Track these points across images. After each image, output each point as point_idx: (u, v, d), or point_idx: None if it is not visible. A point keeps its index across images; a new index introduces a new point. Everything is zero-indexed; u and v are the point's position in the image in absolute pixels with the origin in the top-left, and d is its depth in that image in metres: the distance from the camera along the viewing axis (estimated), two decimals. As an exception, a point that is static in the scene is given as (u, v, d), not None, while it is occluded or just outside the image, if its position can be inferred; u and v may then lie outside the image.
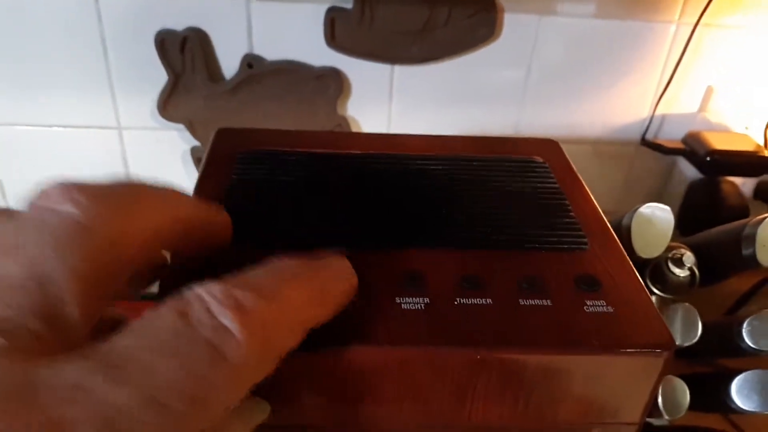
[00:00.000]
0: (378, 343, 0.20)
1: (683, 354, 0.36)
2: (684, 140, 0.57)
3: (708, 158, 0.53)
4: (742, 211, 0.55)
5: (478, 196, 0.27)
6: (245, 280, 0.15)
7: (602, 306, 0.22)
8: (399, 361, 0.20)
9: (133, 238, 0.15)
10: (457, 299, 0.22)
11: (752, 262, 0.35)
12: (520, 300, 0.22)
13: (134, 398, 0.12)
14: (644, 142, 0.57)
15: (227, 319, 0.14)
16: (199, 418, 0.13)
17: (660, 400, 0.33)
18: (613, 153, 0.61)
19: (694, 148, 0.55)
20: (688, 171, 0.58)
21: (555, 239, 0.25)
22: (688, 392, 0.33)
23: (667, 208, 0.35)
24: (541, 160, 0.31)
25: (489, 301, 0.22)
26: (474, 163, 0.30)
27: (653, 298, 0.38)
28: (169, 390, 0.12)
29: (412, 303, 0.21)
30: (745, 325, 0.33)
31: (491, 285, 0.23)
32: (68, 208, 0.14)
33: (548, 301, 0.22)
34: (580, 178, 0.30)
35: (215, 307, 0.14)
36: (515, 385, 0.21)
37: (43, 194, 0.15)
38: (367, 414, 0.21)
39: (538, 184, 0.29)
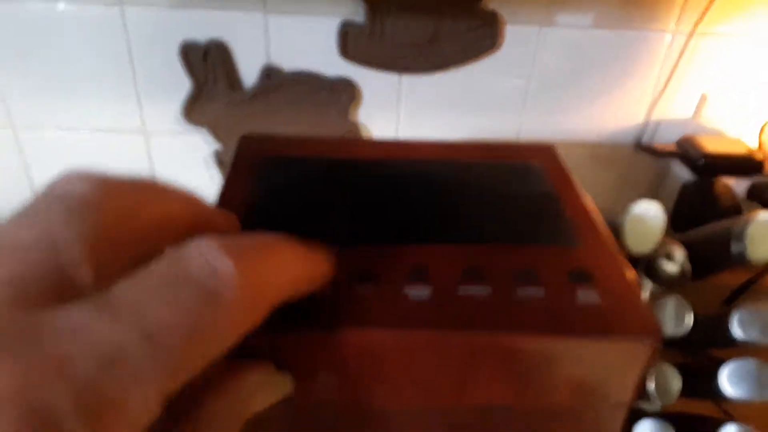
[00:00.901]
0: (386, 327, 0.21)
1: (675, 344, 0.38)
2: (678, 144, 0.59)
3: (702, 161, 0.56)
4: (736, 212, 0.57)
5: (479, 197, 0.29)
6: (239, 236, 0.17)
7: (593, 297, 0.24)
8: (404, 344, 0.21)
9: (142, 219, 0.17)
10: (459, 289, 0.24)
11: (742, 258, 0.38)
12: (516, 290, 0.24)
13: (131, 335, 0.13)
14: (639, 146, 0.60)
15: (220, 263, 0.15)
16: (195, 354, 0.14)
17: (652, 386, 0.35)
18: (609, 157, 0.63)
19: (687, 152, 0.57)
20: (682, 174, 0.60)
21: (550, 236, 0.27)
22: (679, 379, 0.35)
23: (658, 205, 0.37)
24: (538, 163, 0.33)
25: (488, 291, 0.24)
26: (475, 167, 0.32)
27: (646, 292, 0.40)
28: (164, 326, 0.13)
29: (417, 292, 0.23)
30: (734, 316, 0.36)
31: (490, 277, 0.24)
32: (80, 187, 0.16)
33: (542, 291, 0.24)
34: (575, 180, 0.32)
35: (210, 253, 0.15)
36: (511, 368, 0.22)
37: (59, 179, 0.16)
38: (372, 393, 0.23)
39: (535, 186, 0.31)
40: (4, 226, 0.15)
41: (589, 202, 0.31)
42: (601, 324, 0.22)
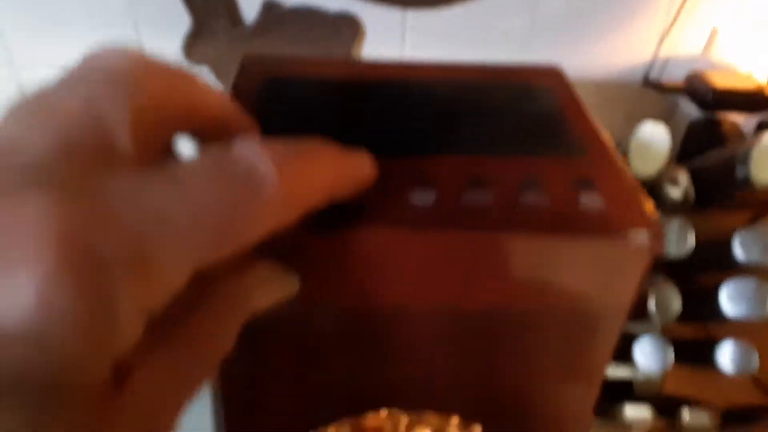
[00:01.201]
0: (391, 226, 0.22)
1: (677, 266, 0.39)
2: (687, 79, 0.58)
3: (710, 96, 0.55)
4: (743, 150, 0.56)
5: (486, 115, 0.29)
6: (281, 142, 0.17)
7: (596, 201, 0.24)
8: (408, 243, 0.22)
9: (175, 103, 0.17)
10: (463, 195, 0.24)
11: (746, 182, 0.37)
12: (519, 196, 0.24)
13: (179, 206, 0.14)
14: (647, 82, 0.59)
15: (262, 163, 0.16)
16: (229, 238, 0.15)
17: (652, 304, 0.36)
18: (616, 94, 0.63)
19: (696, 87, 0.56)
20: (691, 111, 0.59)
21: (556, 149, 0.27)
22: (679, 298, 0.36)
23: (664, 128, 0.37)
24: (544, 84, 0.33)
25: (492, 196, 0.24)
26: (483, 87, 0.32)
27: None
28: (208, 205, 0.14)
29: (422, 197, 0.24)
30: (736, 237, 0.36)
31: (494, 183, 0.25)
32: (122, 62, 0.16)
33: (545, 197, 0.24)
34: (581, 99, 0.32)
35: (253, 153, 0.16)
36: (512, 269, 0.23)
37: (98, 52, 0.16)
38: (377, 297, 0.24)
39: (543, 105, 0.31)
40: (44, 91, 0.15)
41: (596, 121, 0.31)
42: (602, 224, 0.23)
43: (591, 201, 0.24)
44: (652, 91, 0.60)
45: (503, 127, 0.28)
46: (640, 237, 0.23)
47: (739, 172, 0.38)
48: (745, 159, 0.37)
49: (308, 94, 0.30)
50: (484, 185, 0.24)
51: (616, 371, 0.48)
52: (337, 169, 0.19)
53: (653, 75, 0.60)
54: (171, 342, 0.17)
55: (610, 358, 0.29)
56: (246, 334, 0.28)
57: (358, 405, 0.31)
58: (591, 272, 0.24)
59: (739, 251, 0.36)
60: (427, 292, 0.24)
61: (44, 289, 0.12)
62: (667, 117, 0.64)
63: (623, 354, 0.40)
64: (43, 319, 0.12)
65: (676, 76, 0.61)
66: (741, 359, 0.36)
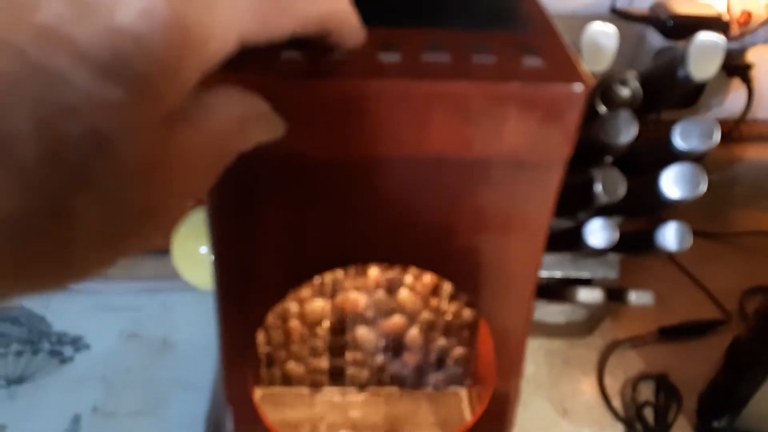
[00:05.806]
0: (363, 77, 0.27)
1: (621, 160, 0.42)
2: (651, 9, 0.62)
3: (671, 22, 0.59)
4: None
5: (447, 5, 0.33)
6: None
7: (537, 62, 0.29)
8: (374, 91, 0.26)
9: None
10: (424, 55, 0.28)
11: (688, 80, 0.41)
12: (472, 57, 0.29)
13: None
14: (614, 10, 0.62)
15: None
16: (272, 14, 0.19)
17: (599, 187, 0.40)
18: (585, 24, 0.66)
19: (659, 15, 0.60)
20: (657, 41, 0.63)
21: (507, 26, 0.32)
22: (624, 181, 0.40)
23: (613, 27, 0.41)
24: None
25: (448, 57, 0.28)
26: None
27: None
28: None
29: (388, 57, 0.28)
30: (677, 126, 0.40)
31: (450, 49, 0.29)
32: None
33: (494, 58, 0.29)
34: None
35: None
36: (462, 116, 0.27)
37: None
38: (348, 142, 0.28)
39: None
40: None
41: (550, 15, 0.34)
42: (541, 76, 0.27)
43: (533, 62, 0.29)
44: (620, 21, 0.63)
45: (461, 9, 0.32)
46: (575, 86, 0.27)
47: (680, 72, 0.41)
48: (683, 59, 0.41)
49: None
50: (442, 49, 0.28)
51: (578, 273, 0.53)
52: (347, 5, 0.24)
53: (621, 4, 0.64)
54: (196, 121, 0.19)
55: (552, 213, 0.33)
56: (236, 196, 0.33)
57: (337, 258, 0.35)
58: (532, 121, 0.28)
59: (678, 140, 0.40)
60: (391, 139, 0.29)
61: (150, 5, 0.15)
62: (634, 49, 0.68)
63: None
64: (146, 24, 0.15)
65: (644, 6, 0.64)
66: (682, 236, 0.41)
